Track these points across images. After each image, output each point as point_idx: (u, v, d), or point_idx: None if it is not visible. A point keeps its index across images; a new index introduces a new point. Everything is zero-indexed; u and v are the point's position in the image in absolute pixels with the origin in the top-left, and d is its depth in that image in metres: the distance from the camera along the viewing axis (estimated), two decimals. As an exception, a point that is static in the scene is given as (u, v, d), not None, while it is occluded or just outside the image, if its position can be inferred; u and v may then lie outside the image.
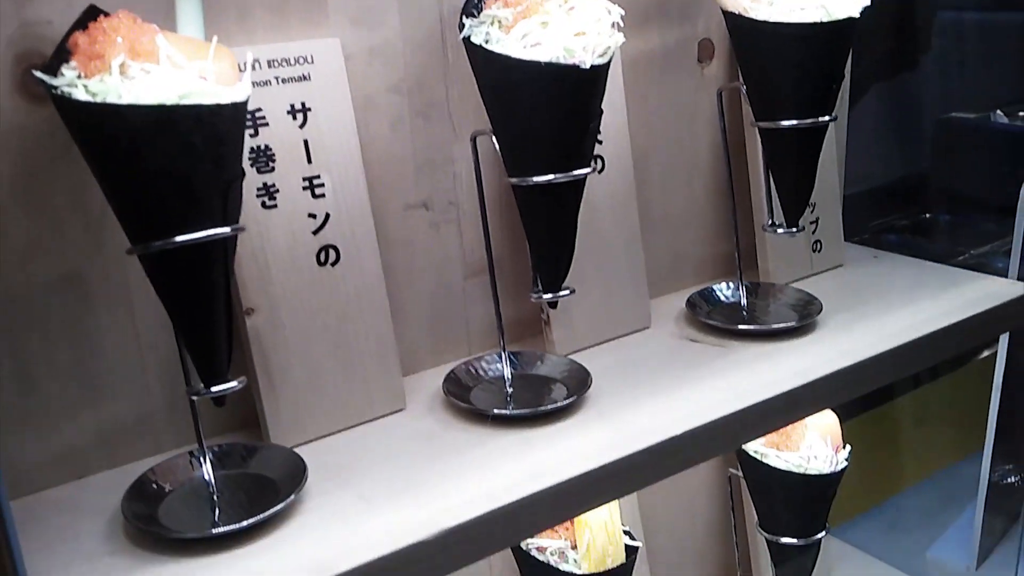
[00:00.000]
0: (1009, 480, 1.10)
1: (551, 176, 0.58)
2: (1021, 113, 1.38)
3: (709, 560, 1.03)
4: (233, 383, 0.51)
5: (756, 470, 0.81)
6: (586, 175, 0.60)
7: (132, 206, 0.47)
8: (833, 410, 0.85)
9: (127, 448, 0.64)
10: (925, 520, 1.16)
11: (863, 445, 1.37)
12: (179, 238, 0.46)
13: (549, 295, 0.64)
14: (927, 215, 1.45)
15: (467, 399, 0.68)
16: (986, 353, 1.15)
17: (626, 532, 0.74)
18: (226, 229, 0.47)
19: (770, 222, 0.76)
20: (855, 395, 0.72)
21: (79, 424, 0.63)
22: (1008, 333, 0.95)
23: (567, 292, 0.64)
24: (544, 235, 0.63)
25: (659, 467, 0.63)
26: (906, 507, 1.23)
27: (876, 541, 1.13)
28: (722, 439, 0.66)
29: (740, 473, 0.88)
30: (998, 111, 1.36)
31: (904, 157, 1.41)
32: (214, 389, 0.51)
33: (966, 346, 0.78)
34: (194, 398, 0.53)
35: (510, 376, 0.71)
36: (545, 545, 0.70)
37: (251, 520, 0.54)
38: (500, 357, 0.72)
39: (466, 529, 0.55)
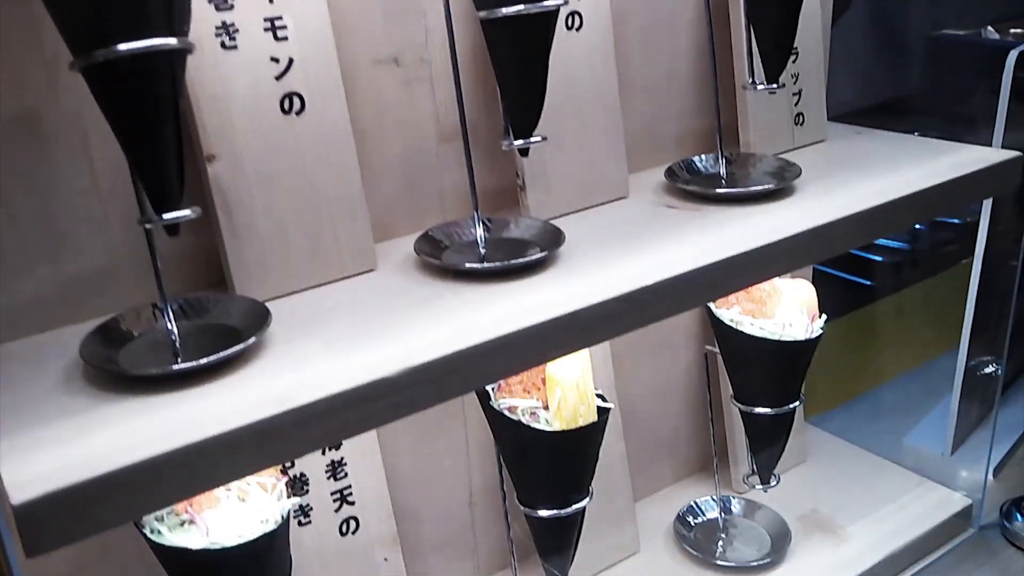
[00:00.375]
0: (985, 371, 1.10)
1: (520, 7, 0.56)
2: (1012, 30, 1.35)
3: (685, 438, 1.03)
4: (186, 211, 0.50)
5: (731, 338, 0.81)
6: (557, 8, 0.57)
7: (71, 13, 0.44)
8: (811, 282, 0.84)
9: (90, 303, 0.63)
10: (903, 410, 1.17)
11: (845, 343, 1.38)
12: (122, 46, 0.44)
13: (520, 141, 0.62)
14: (914, 133, 1.42)
15: (439, 257, 0.67)
16: (965, 261, 1.14)
17: (599, 395, 0.73)
18: (172, 40, 0.45)
19: (751, 80, 0.74)
20: (833, 254, 0.72)
21: (39, 276, 0.61)
22: (991, 205, 0.94)
23: (539, 139, 0.63)
24: (514, 78, 0.61)
25: (630, 317, 0.62)
26: (885, 399, 1.24)
27: (854, 429, 1.13)
28: (695, 291, 0.65)
29: (716, 349, 0.87)
30: (989, 27, 1.33)
31: (893, 75, 1.38)
32: (166, 216, 0.49)
33: (947, 210, 0.78)
34: (147, 226, 0.51)
35: (483, 236, 0.70)
36: (516, 404, 0.70)
37: (212, 357, 0.53)
38: (474, 220, 0.71)
39: (433, 368, 0.54)
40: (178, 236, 0.51)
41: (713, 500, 0.98)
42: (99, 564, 0.68)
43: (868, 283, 1.55)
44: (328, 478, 0.74)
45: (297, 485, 0.73)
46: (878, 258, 1.59)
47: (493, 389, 0.72)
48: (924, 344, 1.32)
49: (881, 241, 1.62)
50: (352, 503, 0.76)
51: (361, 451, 0.76)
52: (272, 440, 0.50)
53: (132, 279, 0.64)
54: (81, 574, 0.67)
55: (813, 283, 0.83)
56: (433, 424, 0.83)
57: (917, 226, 1.66)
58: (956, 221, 1.62)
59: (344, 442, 0.75)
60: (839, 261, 1.55)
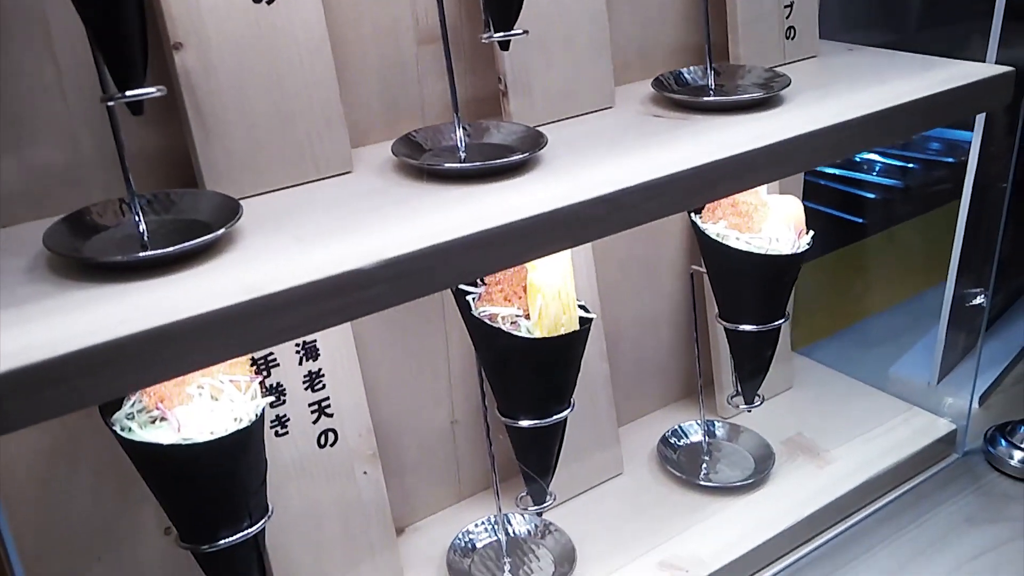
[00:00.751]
0: (973, 302, 1.10)
1: None
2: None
3: (670, 364, 1.02)
4: (150, 88, 0.48)
5: (717, 253, 0.79)
6: None
7: None
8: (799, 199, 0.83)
9: (55, 200, 0.61)
10: (890, 341, 1.16)
11: (835, 277, 1.38)
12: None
13: (500, 34, 0.60)
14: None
15: (417, 159, 0.65)
16: (954, 202, 1.13)
17: (581, 307, 0.72)
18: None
19: (740, -17, 0.71)
20: (820, 163, 0.71)
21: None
22: (982, 130, 0.92)
23: (520, 32, 0.61)
24: (494, -34, 0.58)
25: (612, 219, 0.61)
26: (873, 330, 1.24)
27: (841, 359, 1.13)
28: (679, 195, 0.63)
29: (702, 269, 0.86)
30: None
31: (885, 13, 1.35)
32: (129, 93, 0.47)
33: (937, 123, 0.76)
34: (109, 104, 0.49)
35: (464, 140, 0.68)
36: (497, 312, 0.69)
37: (180, 246, 0.51)
38: (454, 124, 0.69)
39: (408, 262, 0.53)
40: (142, 115, 0.49)
41: (697, 424, 0.98)
42: (69, 475, 0.67)
43: (860, 220, 1.54)
44: (306, 389, 0.73)
45: (274, 395, 0.72)
46: (870, 195, 1.58)
47: (474, 299, 0.71)
48: (914, 278, 1.31)
49: (873, 179, 1.61)
50: (330, 415, 0.75)
51: (339, 363, 0.75)
52: (241, 327, 0.48)
53: (98, 177, 0.62)
54: (51, 483, 0.66)
55: (805, 218, 0.82)
56: (414, 341, 0.82)
57: (909, 164, 1.65)
58: (950, 160, 1.61)
59: (322, 354, 0.74)
60: (831, 199, 1.55)
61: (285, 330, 0.50)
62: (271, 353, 0.71)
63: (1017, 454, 0.95)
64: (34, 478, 0.66)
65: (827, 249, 1.42)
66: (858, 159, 1.65)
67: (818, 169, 1.56)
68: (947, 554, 0.83)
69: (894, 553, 0.84)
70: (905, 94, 0.75)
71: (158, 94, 0.48)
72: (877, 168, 1.63)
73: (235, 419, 0.57)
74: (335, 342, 0.74)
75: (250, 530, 0.59)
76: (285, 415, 0.73)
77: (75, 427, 0.66)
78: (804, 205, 0.81)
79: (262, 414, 0.58)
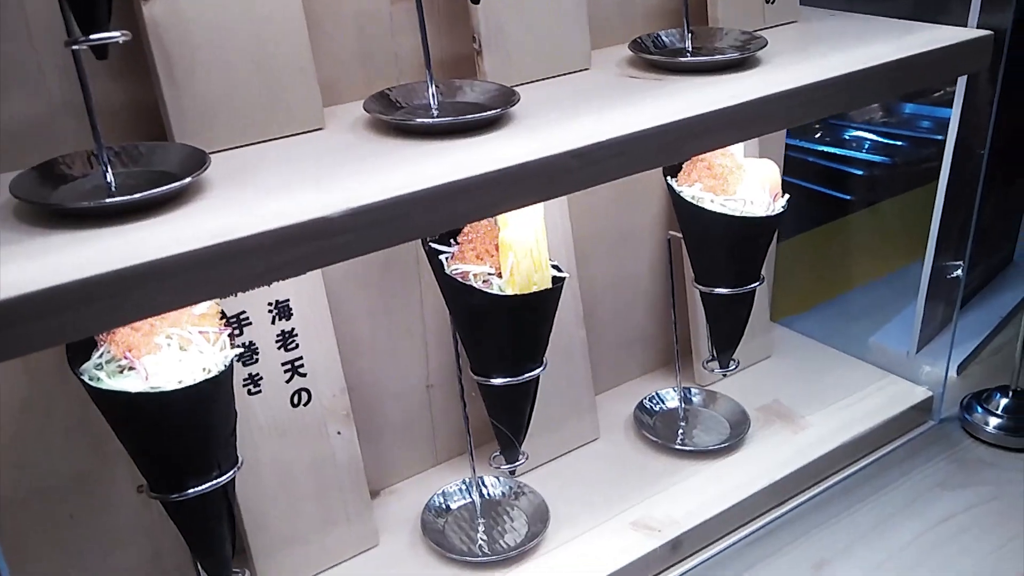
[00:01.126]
0: (953, 274, 1.10)
1: None
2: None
3: (648, 333, 1.03)
4: (114, 33, 0.48)
5: (692, 216, 0.79)
6: None
7: None
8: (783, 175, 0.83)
9: (24, 154, 0.60)
10: (871, 313, 1.17)
11: (818, 252, 1.38)
12: None
13: (470, -14, 0.60)
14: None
15: (389, 115, 0.65)
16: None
17: (555, 266, 0.72)
18: None
19: (716, -59, 0.71)
20: (795, 123, 0.71)
21: (-31, 123, 0.59)
22: (963, 94, 0.92)
23: (490, -15, 0.60)
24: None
25: (583, 173, 0.61)
26: (854, 303, 1.24)
27: (821, 330, 1.13)
28: (651, 151, 0.63)
29: (680, 235, 0.86)
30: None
31: None
32: (93, 37, 0.47)
33: (916, 85, 0.76)
34: (74, 48, 0.49)
35: (436, 97, 0.68)
36: (469, 269, 0.69)
37: (147, 192, 0.51)
38: (426, 82, 0.69)
39: (376, 211, 0.53)
40: (106, 60, 0.49)
41: (674, 390, 0.98)
42: (41, 433, 0.67)
43: (847, 197, 1.55)
44: (279, 348, 0.74)
45: (246, 354, 0.72)
46: (858, 172, 1.58)
47: (446, 257, 0.71)
48: (897, 253, 1.32)
49: (861, 155, 1.61)
50: (304, 375, 0.75)
51: (312, 323, 0.75)
52: (207, 272, 0.48)
53: (68, 131, 0.62)
54: (22, 441, 0.66)
55: (791, 195, 0.82)
56: (389, 304, 0.82)
57: (898, 142, 1.65)
58: (938, 137, 1.61)
59: (295, 313, 0.74)
60: (818, 175, 1.55)
61: (252, 276, 0.50)
62: (243, 311, 0.71)
63: (993, 420, 0.96)
64: (4, 436, 0.66)
65: (815, 224, 1.42)
66: (847, 136, 1.65)
67: (806, 146, 1.56)
68: (918, 517, 0.84)
69: (867, 515, 0.85)
70: (882, 56, 0.75)
71: (122, 39, 0.48)
72: (866, 145, 1.64)
73: (204, 369, 0.57)
74: (308, 302, 0.74)
75: (219, 480, 0.59)
76: (258, 374, 0.73)
77: (46, 386, 0.66)
78: (792, 182, 0.81)
79: (231, 364, 0.58)
